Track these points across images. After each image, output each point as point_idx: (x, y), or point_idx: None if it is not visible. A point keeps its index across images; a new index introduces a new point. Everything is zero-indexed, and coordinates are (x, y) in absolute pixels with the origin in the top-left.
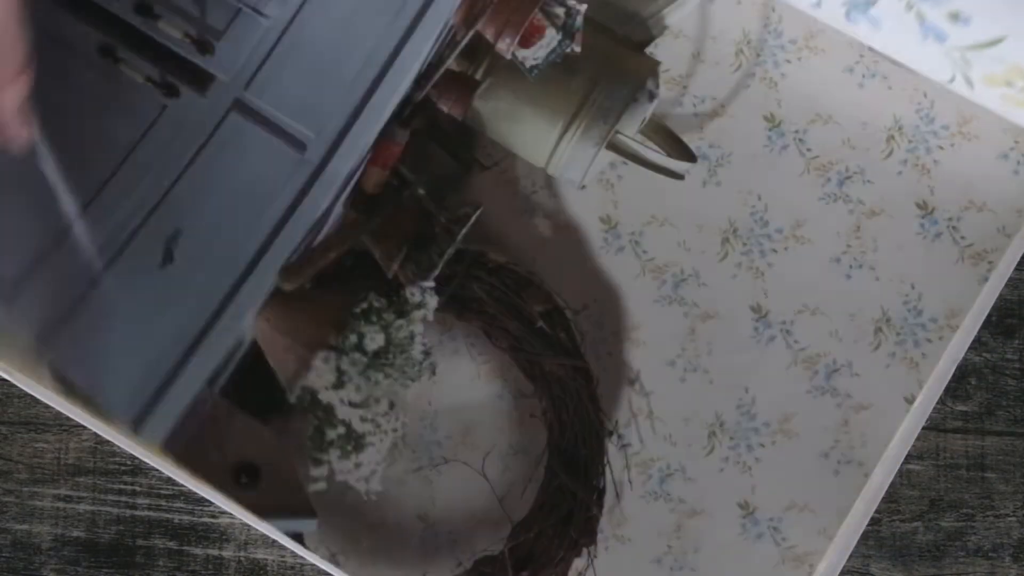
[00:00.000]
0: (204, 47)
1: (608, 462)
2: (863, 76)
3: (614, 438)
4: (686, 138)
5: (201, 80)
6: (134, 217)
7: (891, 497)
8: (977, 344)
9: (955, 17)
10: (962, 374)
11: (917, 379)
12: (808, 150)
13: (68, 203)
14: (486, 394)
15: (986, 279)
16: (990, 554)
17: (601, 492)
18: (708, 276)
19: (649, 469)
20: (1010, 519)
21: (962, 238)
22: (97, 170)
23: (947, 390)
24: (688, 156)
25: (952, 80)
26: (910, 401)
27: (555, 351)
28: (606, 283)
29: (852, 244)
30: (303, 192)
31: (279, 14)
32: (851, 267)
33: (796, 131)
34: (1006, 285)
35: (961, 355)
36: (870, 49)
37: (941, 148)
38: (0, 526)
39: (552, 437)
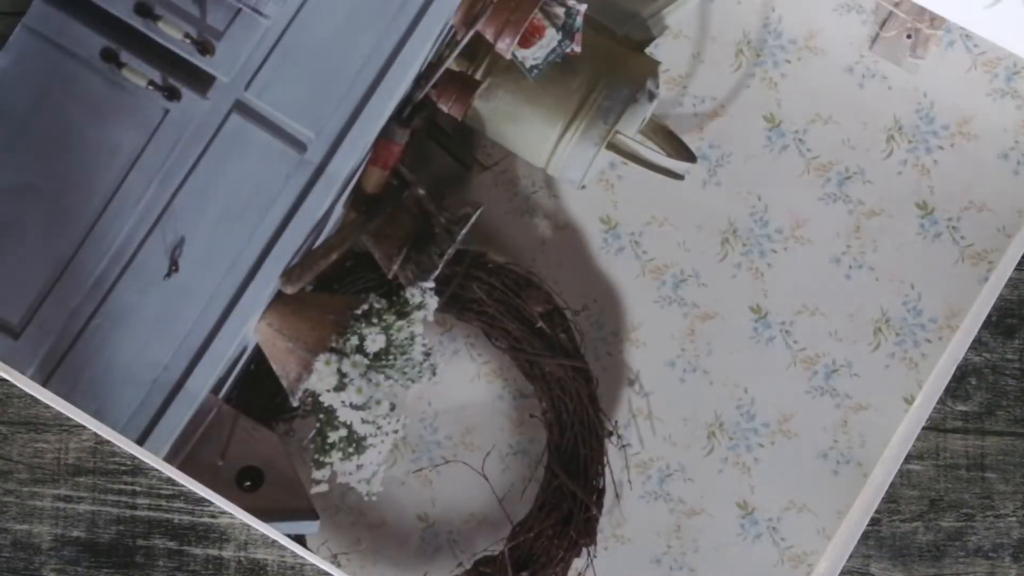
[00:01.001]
0: (204, 48)
1: (608, 462)
2: (863, 76)
3: (614, 438)
4: (686, 138)
5: (202, 82)
6: (140, 228)
7: (891, 497)
8: (977, 344)
9: None
10: (962, 374)
11: (916, 379)
12: (808, 150)
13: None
14: (486, 395)
15: (986, 279)
16: (990, 554)
17: (601, 492)
18: (708, 276)
19: (648, 469)
20: (1010, 519)
21: (962, 238)
22: (105, 180)
23: (947, 390)
24: (688, 156)
25: None
26: (909, 401)
27: (555, 352)
28: (606, 283)
29: (852, 244)
30: (304, 193)
31: (279, 14)
32: (851, 267)
33: (796, 131)
34: (1006, 285)
35: (961, 355)
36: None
37: (941, 148)
38: (0, 526)
39: (552, 437)
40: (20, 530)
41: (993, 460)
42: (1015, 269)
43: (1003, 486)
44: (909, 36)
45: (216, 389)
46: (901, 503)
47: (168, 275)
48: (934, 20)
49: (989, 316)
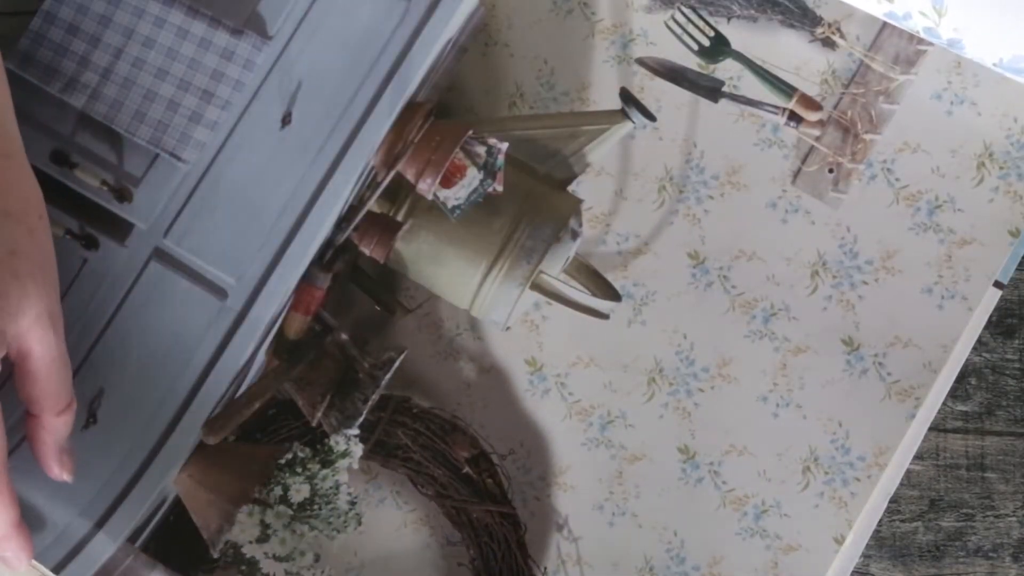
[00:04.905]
0: (122, 195)
1: None
2: (786, 211)
3: None
4: (610, 277)
5: (120, 229)
6: None
7: (891, 497)
8: (977, 344)
9: None
10: (962, 374)
11: (847, 519)
12: (733, 287)
13: None
14: (413, 543)
15: (913, 415)
16: (990, 554)
17: None
18: (635, 417)
19: None
20: (1010, 519)
21: (888, 374)
22: None
23: (948, 390)
24: (612, 295)
25: None
26: (840, 542)
27: (482, 498)
28: (532, 426)
29: (779, 382)
30: (226, 341)
31: (197, 159)
32: (778, 405)
33: (720, 268)
34: (1007, 285)
35: (893, 490)
36: (792, 184)
37: (865, 283)
38: None
39: None
40: None
41: (993, 460)
42: (1016, 269)
43: (1003, 486)
44: (831, 170)
45: (134, 541)
46: (901, 503)
47: (86, 426)
48: (855, 154)
49: (990, 316)
